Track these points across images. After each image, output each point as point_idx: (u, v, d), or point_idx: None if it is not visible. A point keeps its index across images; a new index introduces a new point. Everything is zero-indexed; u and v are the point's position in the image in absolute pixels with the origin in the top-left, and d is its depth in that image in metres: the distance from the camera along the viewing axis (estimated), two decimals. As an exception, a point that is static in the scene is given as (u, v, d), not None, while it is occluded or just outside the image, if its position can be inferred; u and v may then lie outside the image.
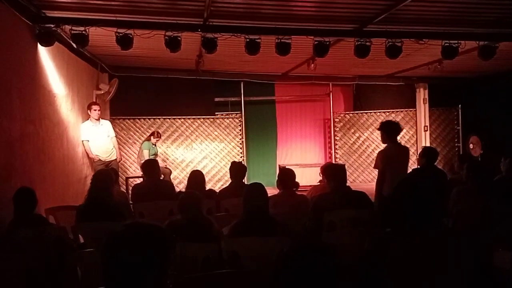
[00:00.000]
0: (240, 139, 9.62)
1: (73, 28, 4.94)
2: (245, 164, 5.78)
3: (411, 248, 2.15)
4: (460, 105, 9.89)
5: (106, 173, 4.28)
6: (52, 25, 4.97)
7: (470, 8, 4.91)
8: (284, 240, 2.84)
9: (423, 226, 2.17)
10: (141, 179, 6.73)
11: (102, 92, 7.68)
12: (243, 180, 5.22)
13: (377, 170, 4.99)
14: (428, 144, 9.27)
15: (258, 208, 3.07)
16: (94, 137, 6.84)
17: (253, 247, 2.95)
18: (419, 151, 7.86)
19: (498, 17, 5.14)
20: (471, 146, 9.15)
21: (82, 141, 6.77)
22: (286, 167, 4.99)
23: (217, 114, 9.63)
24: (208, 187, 7.91)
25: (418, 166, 5.50)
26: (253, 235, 2.96)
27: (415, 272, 2.12)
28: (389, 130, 5.05)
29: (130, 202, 5.00)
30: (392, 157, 4.86)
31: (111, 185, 4.10)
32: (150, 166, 5.23)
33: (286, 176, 4.52)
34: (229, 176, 5.19)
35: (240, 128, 9.62)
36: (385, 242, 2.23)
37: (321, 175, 5.18)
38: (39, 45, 5.15)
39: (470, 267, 2.10)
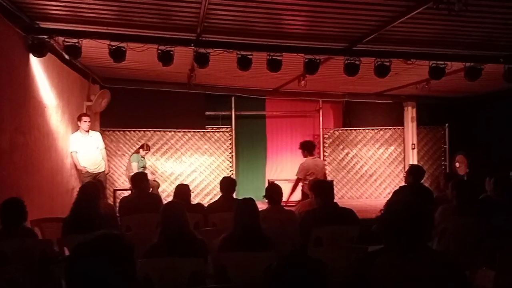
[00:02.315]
0: (230, 153, 9.64)
1: (66, 39, 4.97)
2: (235, 179, 5.80)
3: (393, 269, 2.17)
4: (447, 124, 10.05)
5: (93, 185, 4.28)
6: (46, 36, 4.99)
7: (457, 30, 5.05)
8: (273, 255, 2.85)
9: (407, 247, 2.20)
10: (129, 192, 6.70)
11: (91, 104, 7.66)
12: (233, 195, 5.26)
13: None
14: (415, 162, 9.39)
15: (250, 223, 3.09)
16: (83, 149, 6.81)
17: (242, 261, 2.96)
18: (406, 168, 7.98)
19: (484, 39, 5.29)
20: (457, 164, 9.28)
21: (71, 152, 6.74)
22: (274, 182, 5.07)
23: (208, 128, 9.65)
24: (196, 200, 7.95)
25: (405, 184, 5.56)
26: (243, 250, 2.97)
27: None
28: (308, 147, 6.72)
29: (118, 214, 4.97)
30: (310, 168, 6.54)
31: (97, 198, 4.09)
32: (139, 179, 5.22)
33: (275, 191, 4.56)
34: (218, 190, 5.24)
35: (230, 142, 9.65)
36: (369, 262, 2.26)
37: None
38: (31, 56, 5.17)
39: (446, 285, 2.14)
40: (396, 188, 5.92)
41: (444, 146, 10.19)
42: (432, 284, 2.16)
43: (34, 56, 5.13)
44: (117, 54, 5.03)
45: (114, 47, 4.98)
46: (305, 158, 6.71)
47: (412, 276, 2.18)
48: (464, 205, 4.21)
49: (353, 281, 2.27)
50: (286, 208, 4.83)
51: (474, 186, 4.75)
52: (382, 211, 2.47)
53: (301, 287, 1.61)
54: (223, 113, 9.68)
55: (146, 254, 2.84)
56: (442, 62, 5.70)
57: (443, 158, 10.25)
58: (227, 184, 5.14)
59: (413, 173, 5.33)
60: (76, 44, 4.95)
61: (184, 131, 9.44)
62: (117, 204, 5.98)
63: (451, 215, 4.22)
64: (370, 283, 2.17)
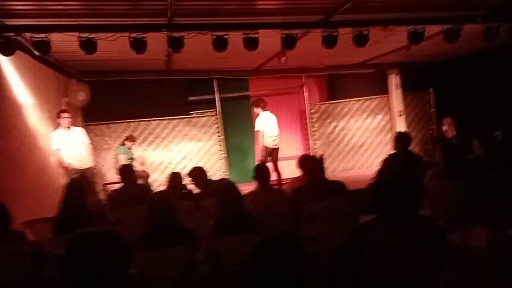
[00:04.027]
0: (218, 136, 9.56)
1: (34, 35, 4.80)
2: (200, 166, 5.82)
3: (384, 238, 2.18)
4: (432, 88, 10.05)
5: (77, 182, 4.21)
6: (12, 34, 4.82)
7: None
8: (260, 236, 2.82)
9: (398, 216, 2.20)
10: (120, 185, 6.65)
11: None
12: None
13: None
14: (403, 129, 9.40)
15: (232, 207, 3.06)
16: (66, 145, 6.68)
17: (232, 245, 2.94)
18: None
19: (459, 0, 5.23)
20: (444, 128, 9.30)
21: (54, 150, 6.61)
22: (259, 163, 5.12)
23: (192, 113, 9.54)
24: (190, 187, 7.92)
25: (394, 151, 5.56)
26: (230, 234, 2.95)
27: (388, 261, 2.15)
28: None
29: (108, 208, 4.93)
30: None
31: (84, 194, 4.02)
32: (126, 171, 5.20)
33: (262, 172, 4.53)
34: (209, 175, 5.30)
35: (216, 126, 9.55)
36: (361, 233, 2.26)
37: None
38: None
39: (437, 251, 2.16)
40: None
41: (431, 111, 10.22)
42: (422, 250, 2.17)
43: (3, 55, 4.96)
44: (88, 46, 4.87)
45: (84, 39, 4.83)
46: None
47: (402, 244, 2.19)
48: (453, 167, 4.22)
49: (346, 252, 2.28)
50: (276, 187, 4.82)
51: (461, 148, 4.77)
52: (372, 180, 2.47)
53: (281, 270, 1.58)
54: (206, 97, 9.55)
55: (135, 245, 2.80)
56: (420, 26, 5.63)
57: (430, 123, 10.29)
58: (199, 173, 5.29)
59: (400, 140, 5.33)
60: (45, 39, 4.78)
61: (169, 119, 9.32)
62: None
63: (440, 178, 4.23)
64: (363, 254, 2.17)
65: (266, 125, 7.85)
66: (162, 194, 3.21)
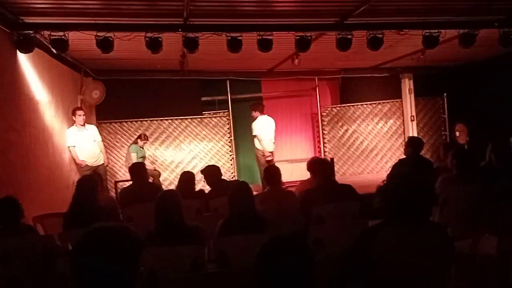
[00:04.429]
0: (229, 137, 9.60)
1: (52, 33, 4.89)
2: (217, 165, 5.83)
3: (393, 242, 2.17)
4: (445, 94, 9.96)
5: (90, 178, 4.27)
6: (31, 31, 4.92)
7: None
8: (269, 236, 2.84)
9: (407, 220, 2.20)
10: (130, 183, 6.71)
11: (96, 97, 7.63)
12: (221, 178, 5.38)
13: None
14: (415, 134, 9.34)
15: (244, 206, 3.08)
16: (80, 143, 6.78)
17: (240, 245, 2.96)
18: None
19: (476, 4, 5.19)
20: (457, 133, 9.23)
21: (68, 147, 6.71)
22: (272, 164, 5.12)
23: (205, 113, 9.59)
24: (199, 187, 7.97)
25: (405, 156, 5.53)
26: (240, 234, 2.97)
27: (395, 265, 2.15)
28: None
29: (119, 205, 4.98)
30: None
31: (96, 190, 4.08)
32: (137, 169, 5.24)
33: (272, 173, 4.54)
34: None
35: (228, 126, 9.59)
36: (369, 236, 2.26)
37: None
38: (18, 52, 5.09)
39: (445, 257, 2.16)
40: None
41: (444, 116, 10.12)
42: (430, 256, 2.16)
43: (21, 52, 5.06)
44: (105, 45, 4.95)
45: (101, 38, 4.90)
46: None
47: (411, 249, 2.18)
48: (464, 173, 4.19)
49: (354, 255, 2.28)
50: (287, 189, 4.83)
51: (473, 153, 4.73)
52: (383, 182, 2.47)
53: (287, 271, 1.60)
54: (219, 97, 9.59)
55: (142, 243, 2.83)
56: (436, 31, 5.59)
57: (443, 128, 10.20)
58: (214, 172, 5.26)
59: (412, 145, 5.29)
60: (63, 37, 4.87)
61: (181, 119, 9.38)
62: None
63: (451, 184, 4.20)
64: (371, 257, 2.17)
65: (264, 129, 7.98)
66: (169, 193, 3.24)
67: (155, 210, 3.00)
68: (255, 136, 7.99)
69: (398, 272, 2.16)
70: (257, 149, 8.03)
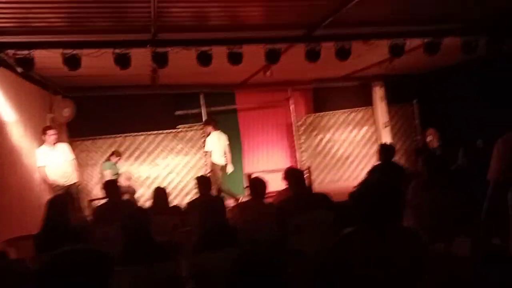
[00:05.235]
0: (205, 150, 9.54)
1: (17, 52, 4.79)
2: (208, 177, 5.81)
3: (364, 248, 2.20)
4: (415, 100, 10.20)
5: (60, 198, 4.17)
6: (-5, 51, 4.81)
7: (412, 7, 5.08)
8: (241, 248, 2.83)
9: (377, 226, 2.23)
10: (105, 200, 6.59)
11: (53, 115, 7.48)
12: (210, 193, 5.30)
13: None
14: (389, 141, 9.51)
15: (213, 221, 3.06)
16: (51, 162, 6.60)
17: (215, 259, 2.93)
18: (380, 148, 8.05)
19: (438, 13, 5.35)
20: (428, 138, 9.43)
21: (39, 167, 6.54)
22: (257, 176, 5.09)
23: (179, 127, 9.53)
24: (176, 201, 7.88)
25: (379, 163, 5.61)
26: (213, 248, 2.94)
27: (369, 271, 2.17)
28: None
29: (94, 224, 4.89)
30: None
31: (67, 210, 3.98)
32: (110, 187, 5.16)
33: (256, 185, 4.48)
34: (196, 189, 5.24)
35: (203, 139, 9.53)
36: (343, 244, 2.28)
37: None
38: (-18, 72, 4.98)
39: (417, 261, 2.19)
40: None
41: (415, 122, 10.36)
42: (402, 260, 2.19)
43: (-15, 72, 4.94)
44: (72, 62, 4.88)
45: (67, 55, 4.83)
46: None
47: (382, 254, 2.21)
48: (435, 178, 4.26)
49: (329, 264, 2.29)
50: (267, 202, 4.81)
51: (444, 158, 4.84)
52: (354, 189, 2.51)
53: (259, 283, 1.59)
54: (193, 111, 9.56)
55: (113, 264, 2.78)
56: (401, 40, 5.75)
57: (415, 134, 10.43)
58: (203, 182, 5.20)
59: (384, 152, 5.39)
60: (28, 56, 4.77)
61: (155, 133, 9.30)
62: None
63: (422, 189, 4.27)
64: (345, 265, 2.19)
65: (215, 144, 8.27)
66: (136, 210, 3.19)
67: (122, 229, 2.94)
68: (205, 152, 8.39)
69: (372, 278, 2.19)
70: (212, 162, 8.26)
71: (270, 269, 1.61)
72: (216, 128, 8.40)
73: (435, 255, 3.33)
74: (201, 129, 9.46)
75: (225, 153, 8.39)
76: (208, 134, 8.39)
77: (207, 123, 8.57)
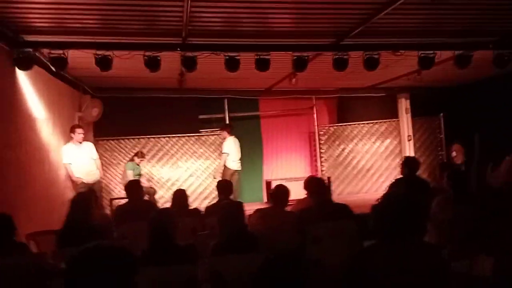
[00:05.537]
0: (223, 152, 9.58)
1: (52, 51, 4.93)
2: (231, 181, 5.84)
3: (385, 262, 2.18)
4: (442, 114, 10.02)
5: (84, 196, 4.25)
6: (30, 49, 4.96)
7: (442, 18, 5.03)
8: (262, 255, 2.83)
9: (399, 240, 2.21)
10: (126, 200, 6.69)
11: (82, 114, 7.67)
12: (231, 197, 5.29)
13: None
14: (412, 154, 9.36)
15: (233, 228, 3.07)
16: (76, 160, 6.77)
17: (234, 264, 2.94)
18: (403, 161, 7.93)
19: (470, 26, 5.27)
20: (453, 153, 9.25)
21: (65, 163, 6.70)
22: (281, 184, 5.07)
23: (202, 131, 9.62)
24: (194, 205, 7.93)
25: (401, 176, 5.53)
26: (233, 253, 2.95)
27: (390, 285, 2.14)
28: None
29: (114, 223, 4.95)
30: None
31: (90, 208, 4.05)
32: (132, 187, 5.21)
33: (279, 193, 4.46)
34: (216, 193, 5.27)
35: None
36: (364, 257, 2.26)
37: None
38: (17, 70, 5.12)
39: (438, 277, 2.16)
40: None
41: (440, 136, 10.17)
42: (422, 275, 2.16)
43: (20, 70, 5.09)
44: (104, 63, 5.00)
45: (100, 56, 4.95)
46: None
47: (403, 269, 2.18)
48: (460, 194, 4.18)
49: (350, 277, 2.28)
50: (288, 210, 4.79)
51: (469, 174, 4.74)
52: (376, 202, 2.49)
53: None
54: (216, 115, 9.65)
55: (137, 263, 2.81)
56: (431, 52, 5.67)
57: (439, 148, 10.23)
58: (223, 187, 5.17)
59: (408, 165, 5.30)
60: (62, 55, 4.91)
61: (178, 136, 9.41)
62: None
63: (446, 205, 4.19)
64: (366, 278, 2.17)
65: (232, 149, 8.38)
66: (163, 212, 3.23)
67: (148, 230, 2.98)
68: (224, 153, 8.42)
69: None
70: (225, 166, 8.33)
71: (293, 278, 1.61)
72: (231, 133, 8.54)
73: (457, 273, 3.26)
74: (219, 134, 9.54)
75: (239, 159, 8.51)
76: (224, 139, 8.53)
77: (223, 127, 8.75)
